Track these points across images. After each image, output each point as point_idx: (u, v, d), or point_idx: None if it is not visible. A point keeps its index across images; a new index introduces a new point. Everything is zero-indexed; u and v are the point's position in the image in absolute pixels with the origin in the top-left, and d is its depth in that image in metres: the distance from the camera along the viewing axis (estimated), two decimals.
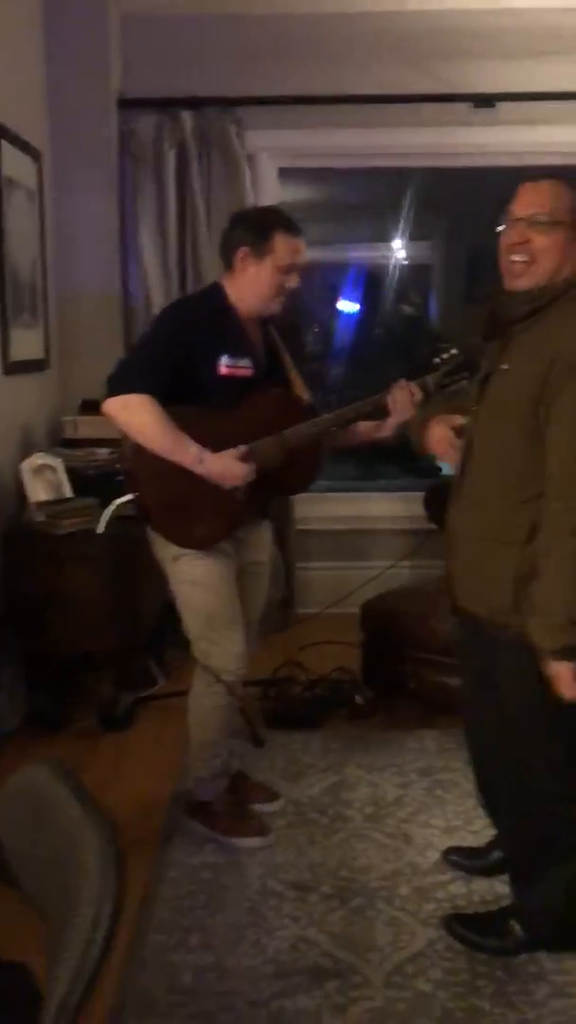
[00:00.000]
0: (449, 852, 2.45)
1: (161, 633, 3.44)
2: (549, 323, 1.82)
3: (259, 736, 3.08)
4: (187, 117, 3.74)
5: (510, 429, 1.84)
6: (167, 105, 3.75)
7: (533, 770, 2.00)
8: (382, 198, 6.61)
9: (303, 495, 4.36)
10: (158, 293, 3.80)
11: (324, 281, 7.72)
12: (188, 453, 2.26)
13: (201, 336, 2.29)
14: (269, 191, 4.02)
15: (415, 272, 7.89)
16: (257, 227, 2.31)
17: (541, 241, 1.80)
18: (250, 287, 2.34)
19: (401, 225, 7.11)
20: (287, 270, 2.32)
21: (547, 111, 3.79)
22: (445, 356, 2.36)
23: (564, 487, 1.75)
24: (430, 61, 3.85)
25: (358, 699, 3.29)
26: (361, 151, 3.99)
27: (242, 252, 2.31)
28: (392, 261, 7.61)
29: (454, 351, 2.35)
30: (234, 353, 2.31)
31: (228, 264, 2.36)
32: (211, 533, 2.38)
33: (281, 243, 2.30)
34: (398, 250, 7.58)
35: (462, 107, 3.84)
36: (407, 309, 7.70)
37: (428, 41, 3.84)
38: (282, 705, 3.26)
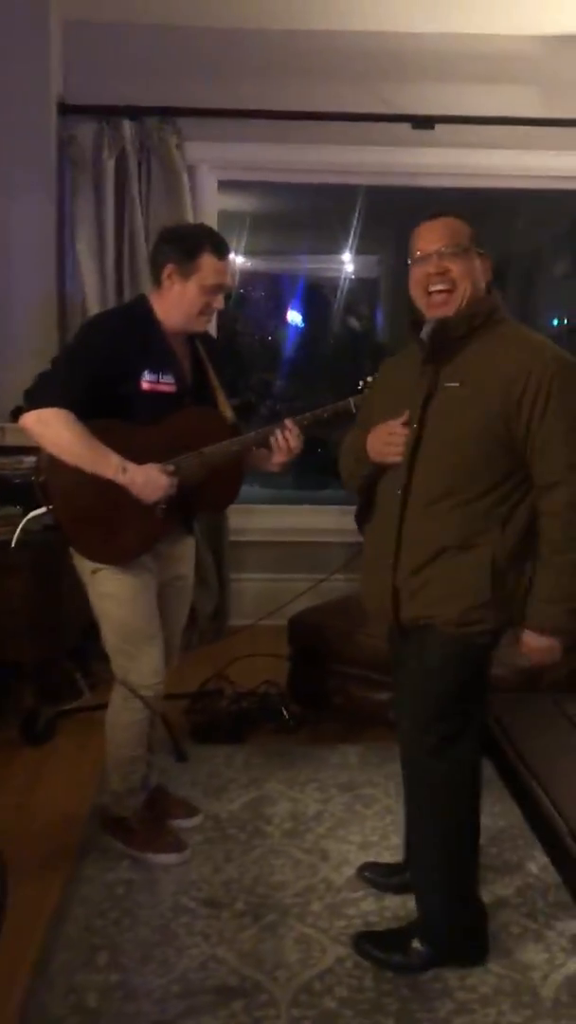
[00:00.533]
0: (364, 868, 2.46)
1: (86, 645, 3.41)
2: (491, 340, 1.93)
3: (182, 750, 3.06)
4: (128, 126, 3.73)
5: (468, 441, 1.90)
6: (108, 113, 3.73)
7: (427, 763, 2.04)
8: (330, 211, 6.66)
9: (238, 506, 4.39)
10: (94, 300, 3.78)
11: (271, 292, 7.74)
12: (109, 464, 2.24)
13: (122, 350, 2.27)
14: (208, 202, 4.03)
15: (362, 285, 7.96)
16: (184, 245, 2.30)
17: (458, 268, 1.93)
18: (175, 305, 2.33)
19: (349, 238, 7.17)
20: (213, 291, 2.31)
21: (483, 135, 3.85)
22: (369, 379, 2.37)
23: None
24: (372, 81, 3.90)
25: (284, 713, 3.29)
26: (301, 167, 4.02)
27: (168, 269, 2.30)
28: (340, 274, 7.66)
29: (370, 379, 2.36)
30: (156, 368, 2.30)
31: (155, 280, 2.35)
32: (126, 549, 2.36)
33: (208, 264, 2.29)
34: (346, 263, 7.63)
35: (402, 127, 3.88)
36: (354, 322, 7.75)
37: (371, 61, 3.88)
38: (207, 719, 3.25)
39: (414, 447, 1.96)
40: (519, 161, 3.95)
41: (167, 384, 2.32)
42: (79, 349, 2.32)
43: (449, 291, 1.93)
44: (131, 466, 2.25)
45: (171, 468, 2.30)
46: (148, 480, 2.26)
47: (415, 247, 1.98)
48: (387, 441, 2.00)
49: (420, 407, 1.97)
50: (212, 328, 3.98)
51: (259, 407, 7.07)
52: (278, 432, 2.33)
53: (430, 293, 1.95)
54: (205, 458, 2.35)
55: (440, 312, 1.95)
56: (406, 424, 1.98)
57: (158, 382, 2.31)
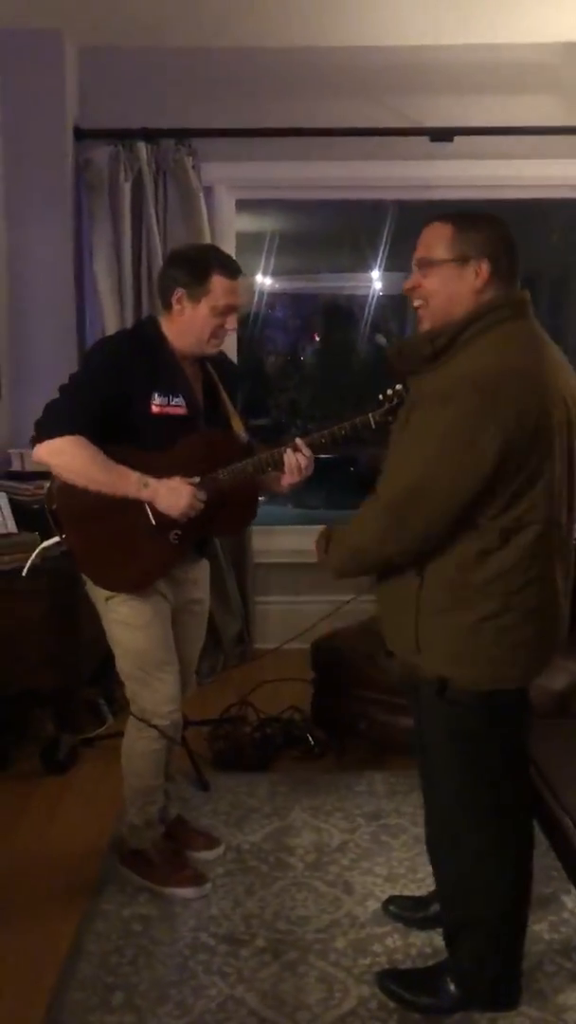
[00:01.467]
0: (389, 903, 2.38)
1: (108, 671, 3.35)
2: (453, 364, 1.78)
3: (204, 779, 3.00)
4: (143, 148, 3.72)
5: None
6: (123, 136, 3.73)
7: (450, 817, 1.94)
8: (358, 228, 6.63)
9: (261, 527, 4.34)
10: (113, 324, 3.76)
11: (298, 311, 7.72)
12: (130, 482, 2.21)
13: (131, 372, 2.23)
14: (226, 222, 4.00)
15: (391, 302, 7.91)
16: (194, 268, 2.25)
17: (428, 283, 1.82)
18: (187, 328, 2.29)
19: (378, 256, 7.13)
20: (224, 312, 2.26)
21: (502, 145, 3.78)
22: (390, 392, 2.30)
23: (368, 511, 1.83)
24: (388, 95, 3.85)
25: (309, 739, 3.22)
26: (318, 183, 3.97)
27: (178, 293, 2.26)
28: (368, 292, 7.62)
29: (398, 387, 2.29)
30: (166, 391, 2.26)
31: (165, 304, 2.30)
32: (140, 577, 2.31)
33: (218, 285, 2.24)
34: (375, 280, 7.59)
35: (420, 141, 3.82)
36: (381, 339, 7.70)
37: (386, 75, 3.84)
38: (230, 746, 3.18)
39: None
40: (540, 171, 3.87)
41: (178, 407, 2.28)
42: (86, 374, 2.29)
43: (422, 306, 1.83)
44: (152, 480, 2.21)
45: (196, 479, 2.24)
46: (171, 491, 2.21)
47: None
48: None
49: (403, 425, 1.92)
50: (232, 349, 3.99)
51: (289, 427, 7.05)
52: (288, 452, 2.26)
53: (415, 307, 1.87)
54: (220, 482, 2.29)
55: (420, 328, 1.86)
56: None
57: (168, 404, 2.26)
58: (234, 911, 2.39)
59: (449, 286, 1.79)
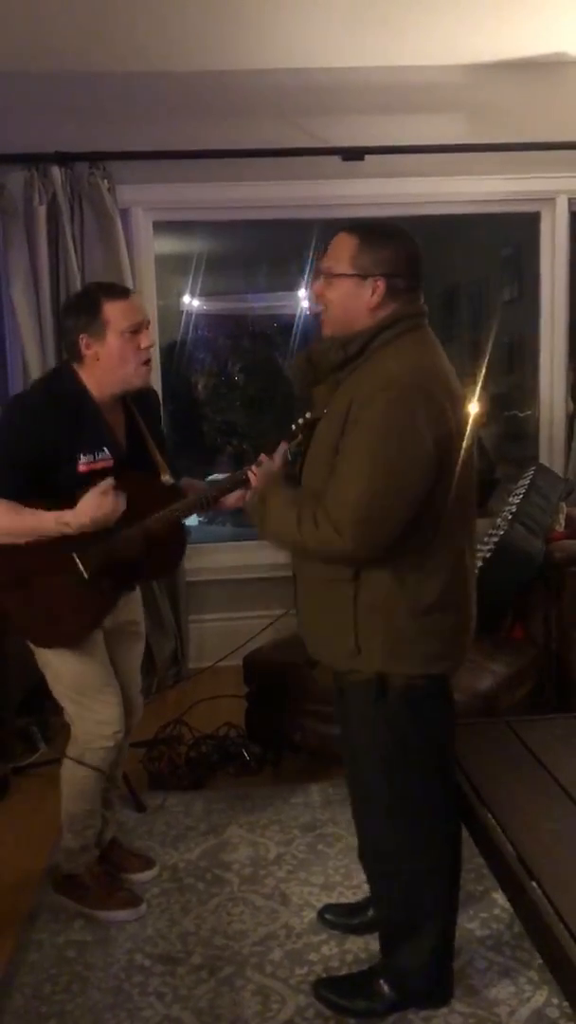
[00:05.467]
0: (324, 911, 2.39)
1: (42, 698, 3.32)
2: (363, 369, 1.82)
3: (140, 801, 2.98)
4: (57, 172, 3.71)
5: (320, 472, 1.85)
6: (36, 160, 3.72)
7: (382, 823, 1.98)
8: (283, 248, 6.71)
9: (192, 546, 4.34)
10: (33, 349, 3.74)
11: (229, 332, 7.76)
12: (48, 523, 2.17)
13: (53, 437, 2.19)
14: (144, 244, 4.01)
15: (318, 320, 8.00)
16: (83, 308, 2.24)
17: (328, 293, 1.86)
18: (108, 368, 2.24)
19: (305, 274, 7.21)
20: (132, 331, 2.23)
21: (411, 163, 3.88)
22: (301, 422, 2.31)
23: (335, 514, 1.74)
24: (299, 116, 3.92)
25: (245, 755, 3.22)
26: (234, 204, 4.02)
27: (83, 340, 2.22)
28: (297, 311, 7.70)
29: (308, 416, 2.31)
30: (91, 448, 2.24)
31: (77, 357, 2.26)
32: (78, 631, 2.30)
33: (112, 309, 2.21)
34: (303, 299, 7.67)
35: (332, 160, 3.90)
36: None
37: (296, 97, 3.91)
38: (166, 766, 3.16)
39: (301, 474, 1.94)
40: (449, 187, 3.97)
41: (104, 461, 2.26)
42: (4, 444, 2.23)
43: (322, 312, 1.88)
44: (67, 513, 2.18)
45: (105, 486, 2.18)
46: (93, 508, 2.15)
47: None
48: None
49: (305, 436, 1.96)
50: (156, 371, 4.00)
51: (224, 447, 7.06)
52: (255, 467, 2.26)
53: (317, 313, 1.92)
54: (147, 529, 2.26)
55: (324, 332, 1.89)
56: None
57: (95, 461, 2.24)
58: (170, 930, 2.38)
59: (346, 300, 1.83)
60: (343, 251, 1.83)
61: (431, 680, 1.89)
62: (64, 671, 2.34)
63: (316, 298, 1.88)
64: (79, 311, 2.25)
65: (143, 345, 2.26)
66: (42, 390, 2.40)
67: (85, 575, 2.22)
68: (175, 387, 5.56)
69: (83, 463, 2.23)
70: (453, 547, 1.85)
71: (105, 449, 2.27)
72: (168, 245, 5.16)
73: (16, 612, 2.30)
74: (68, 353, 2.30)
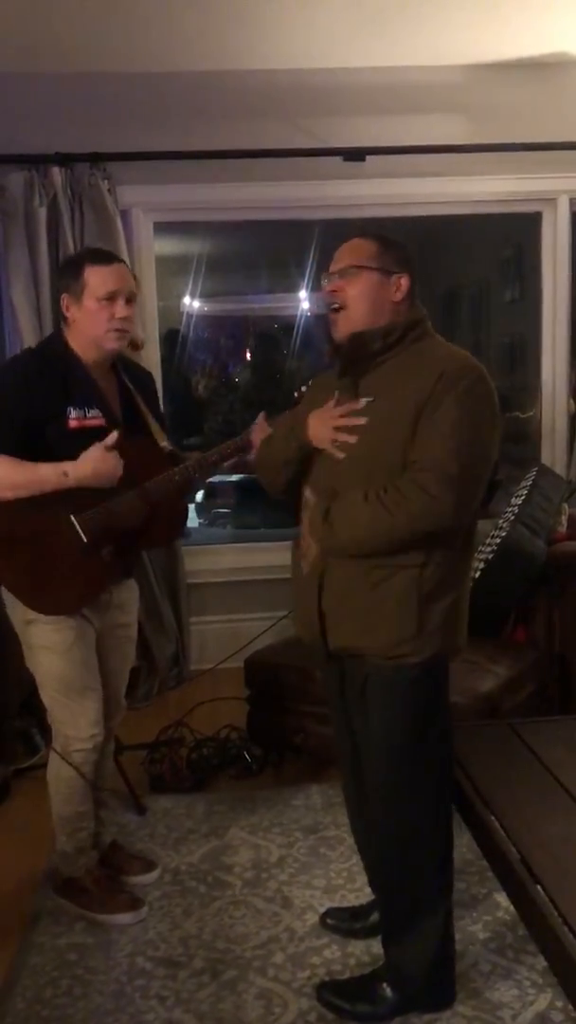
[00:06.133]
0: (327, 915, 2.38)
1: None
2: (409, 356, 1.89)
3: (141, 803, 2.97)
4: (57, 173, 3.71)
5: (389, 458, 1.83)
6: (37, 161, 3.72)
7: (403, 816, 1.98)
8: (283, 249, 6.70)
9: (194, 547, 4.34)
10: None
11: (229, 333, 7.76)
12: (48, 478, 2.18)
13: (41, 391, 2.22)
14: (144, 245, 4.01)
15: (318, 321, 7.99)
16: (68, 270, 2.31)
17: (351, 288, 1.91)
18: (82, 329, 2.28)
19: (306, 276, 7.21)
20: (108, 298, 2.23)
21: (412, 164, 3.87)
22: (304, 389, 2.33)
23: (439, 472, 1.78)
24: (300, 117, 3.91)
25: (246, 757, 3.21)
26: (235, 204, 4.01)
27: (65, 300, 2.28)
28: (298, 312, 7.69)
29: (311, 383, 2.32)
30: (81, 404, 2.25)
31: (62, 317, 2.31)
32: (76, 599, 2.29)
33: (92, 274, 2.24)
34: (303, 300, 7.67)
35: (333, 161, 3.89)
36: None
37: (298, 98, 3.90)
38: (167, 769, 3.15)
39: (330, 463, 1.92)
40: (449, 188, 3.97)
41: (95, 419, 2.27)
42: None
43: (340, 309, 1.92)
44: (69, 466, 2.19)
45: (108, 443, 2.21)
46: (95, 464, 2.19)
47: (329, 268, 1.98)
48: (336, 425, 1.90)
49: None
50: (154, 369, 3.99)
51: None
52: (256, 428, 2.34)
53: (330, 311, 1.94)
54: (147, 493, 2.29)
55: (335, 330, 1.94)
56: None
57: (85, 417, 2.25)
58: (172, 933, 2.37)
59: (372, 293, 1.90)
60: (363, 251, 1.92)
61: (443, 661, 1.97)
62: (50, 670, 2.33)
63: (333, 294, 1.91)
64: (65, 271, 2.33)
65: (117, 315, 2.25)
66: (31, 351, 2.47)
67: (84, 539, 2.22)
68: (175, 387, 5.55)
69: (73, 418, 2.24)
70: (474, 531, 1.96)
71: (96, 408, 2.28)
72: (169, 246, 5.16)
73: (13, 576, 2.28)
74: (59, 314, 2.36)
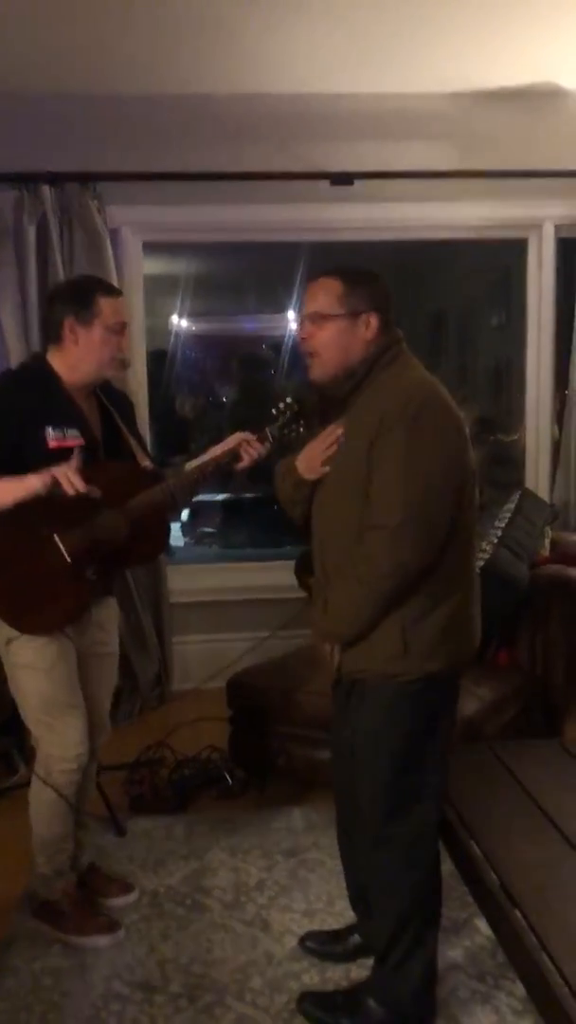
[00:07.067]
0: (306, 939, 2.36)
1: (21, 719, 3.28)
2: (373, 387, 1.91)
3: (120, 824, 2.94)
4: (47, 192, 3.73)
5: (350, 494, 1.88)
6: (26, 180, 3.74)
7: (391, 839, 1.98)
8: (271, 271, 6.75)
9: (177, 566, 4.33)
10: None
11: (216, 353, 7.78)
12: (18, 488, 2.13)
13: (19, 410, 2.22)
14: (133, 265, 4.03)
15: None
16: (78, 295, 2.30)
17: (320, 335, 1.93)
18: (83, 355, 2.29)
19: (293, 296, 7.25)
20: (117, 329, 2.30)
21: (399, 189, 3.91)
22: (282, 406, 2.35)
23: (388, 527, 1.80)
24: (289, 141, 3.94)
25: (227, 778, 3.19)
26: (223, 226, 4.04)
27: (68, 323, 2.28)
28: (286, 332, 7.73)
29: (288, 400, 2.34)
30: (59, 424, 2.25)
31: (55, 338, 2.31)
32: (59, 618, 2.29)
33: (105, 305, 2.28)
34: (291, 321, 7.70)
35: (321, 184, 3.93)
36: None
37: (286, 122, 3.93)
38: (147, 789, 3.13)
39: (318, 497, 1.97)
40: (436, 213, 4.01)
41: (74, 439, 2.27)
42: None
43: (313, 355, 1.94)
44: (30, 476, 2.13)
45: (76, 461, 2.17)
46: (57, 470, 2.13)
47: None
48: (316, 453, 1.98)
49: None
50: (141, 388, 4.00)
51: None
52: (242, 443, 2.34)
53: (306, 356, 1.97)
54: (129, 512, 2.29)
55: (311, 376, 1.97)
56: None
57: (64, 438, 2.25)
58: (149, 957, 2.34)
59: (342, 338, 1.91)
60: (330, 294, 1.92)
61: (447, 675, 1.96)
62: (32, 689, 2.32)
63: (304, 343, 1.94)
64: (72, 297, 2.31)
65: (123, 346, 2.34)
66: (10, 372, 2.52)
67: (67, 558, 2.22)
68: (161, 407, 5.55)
69: (52, 438, 2.24)
70: (471, 551, 1.97)
71: (75, 428, 2.28)
72: (157, 266, 5.17)
73: None
74: (46, 333, 2.36)
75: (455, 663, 1.96)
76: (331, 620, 1.94)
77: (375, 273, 1.98)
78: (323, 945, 2.33)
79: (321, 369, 1.94)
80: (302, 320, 1.96)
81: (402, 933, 2.01)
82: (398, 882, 2.01)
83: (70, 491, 2.10)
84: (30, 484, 2.13)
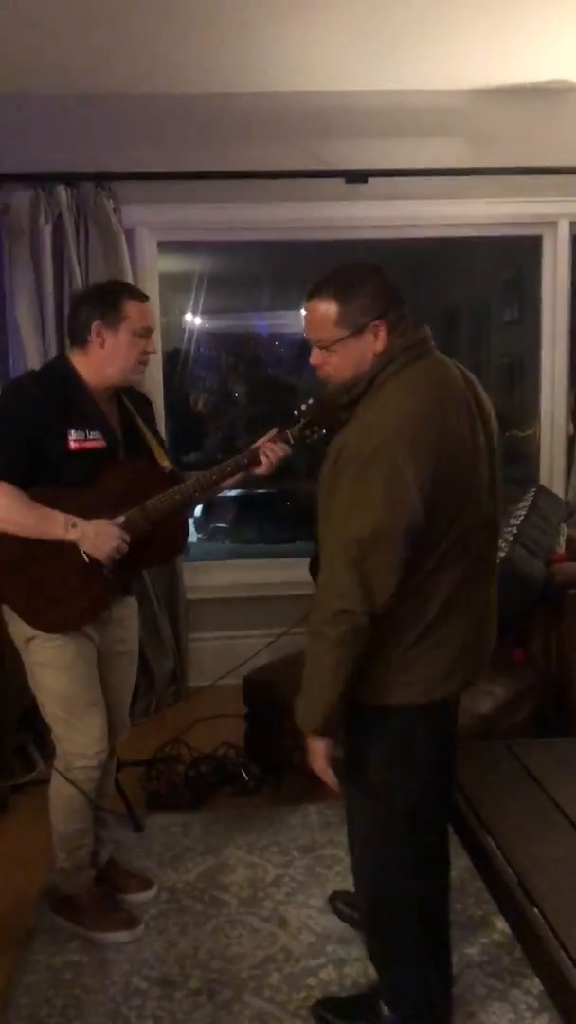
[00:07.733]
0: (335, 897, 2.39)
1: (39, 715, 3.30)
2: (365, 406, 1.81)
3: (138, 820, 2.96)
4: (63, 191, 3.74)
5: (331, 507, 1.83)
6: (43, 180, 3.75)
7: (374, 860, 1.99)
8: (286, 268, 6.76)
9: (194, 563, 4.35)
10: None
11: (230, 350, 7.79)
12: (56, 523, 2.21)
13: (43, 412, 2.24)
14: (148, 264, 4.04)
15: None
16: (106, 299, 2.31)
17: (333, 360, 1.83)
18: (109, 359, 2.31)
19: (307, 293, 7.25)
20: (143, 333, 2.32)
21: (414, 187, 3.91)
22: (304, 407, 2.35)
23: (330, 574, 1.73)
24: (303, 139, 3.95)
25: (243, 775, 3.21)
26: (238, 225, 4.04)
27: (96, 327, 2.28)
28: (299, 329, 7.72)
29: (310, 402, 2.33)
30: (82, 426, 2.27)
31: (80, 341, 2.31)
32: (78, 616, 2.31)
33: (132, 308, 2.30)
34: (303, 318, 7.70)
35: (336, 183, 3.93)
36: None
37: (301, 120, 3.94)
38: (164, 786, 3.15)
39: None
40: (450, 210, 4.00)
41: (95, 440, 2.29)
42: (2, 424, 2.27)
43: (330, 376, 1.86)
44: (79, 520, 2.22)
45: (121, 520, 2.26)
46: (98, 534, 2.22)
47: None
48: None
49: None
50: (156, 386, 4.02)
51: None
52: (265, 445, 2.37)
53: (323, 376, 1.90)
54: (148, 512, 2.31)
55: (328, 388, 1.91)
56: None
57: (86, 439, 2.27)
58: (168, 953, 2.36)
59: (354, 355, 1.80)
60: (326, 320, 1.80)
61: (428, 706, 1.88)
62: (52, 687, 2.34)
63: (320, 369, 1.86)
64: (99, 300, 2.32)
65: (149, 349, 2.36)
66: (34, 373, 2.52)
67: (86, 559, 2.24)
68: (175, 404, 5.58)
69: (73, 439, 2.26)
70: (452, 577, 1.81)
71: (97, 430, 2.30)
72: (172, 264, 5.18)
73: (17, 597, 2.30)
74: (72, 335, 2.36)
75: (412, 698, 1.84)
76: (302, 701, 1.84)
77: (369, 268, 1.84)
78: (350, 906, 2.36)
79: (341, 384, 1.86)
80: (311, 345, 1.87)
81: (392, 933, 2.00)
82: (376, 899, 2.00)
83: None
84: (67, 531, 2.21)
